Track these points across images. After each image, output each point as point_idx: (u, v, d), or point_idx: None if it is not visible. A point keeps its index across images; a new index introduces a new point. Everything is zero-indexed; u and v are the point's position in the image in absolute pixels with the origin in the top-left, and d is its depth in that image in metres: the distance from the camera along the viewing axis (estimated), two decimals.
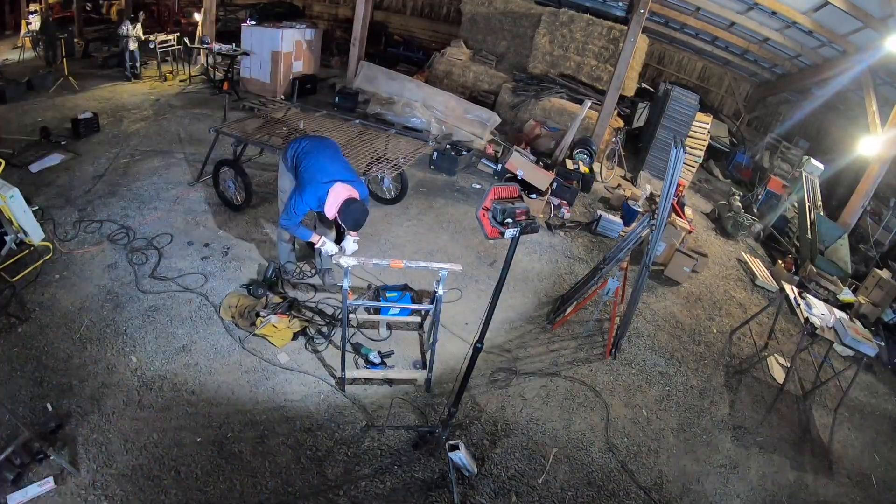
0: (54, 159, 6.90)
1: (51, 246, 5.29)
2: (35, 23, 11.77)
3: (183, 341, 4.56)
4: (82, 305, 4.73)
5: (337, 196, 4.47)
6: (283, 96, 10.68)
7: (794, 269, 8.52)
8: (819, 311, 5.64)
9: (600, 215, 8.10)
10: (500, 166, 8.78)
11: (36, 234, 5.23)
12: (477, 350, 3.56)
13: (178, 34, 12.24)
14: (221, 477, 3.59)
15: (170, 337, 4.58)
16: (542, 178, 8.13)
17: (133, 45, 10.69)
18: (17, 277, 4.85)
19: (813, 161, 9.75)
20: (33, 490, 3.25)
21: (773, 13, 10.16)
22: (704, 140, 11.70)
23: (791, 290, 5.93)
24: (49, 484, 3.29)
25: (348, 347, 4.70)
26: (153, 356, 4.37)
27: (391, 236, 6.63)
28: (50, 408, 3.79)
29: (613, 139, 10.91)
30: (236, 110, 9.52)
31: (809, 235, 8.67)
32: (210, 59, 11.27)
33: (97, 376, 4.11)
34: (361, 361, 4.71)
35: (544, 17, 11.69)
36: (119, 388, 4.05)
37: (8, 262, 4.96)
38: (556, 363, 5.29)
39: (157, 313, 4.79)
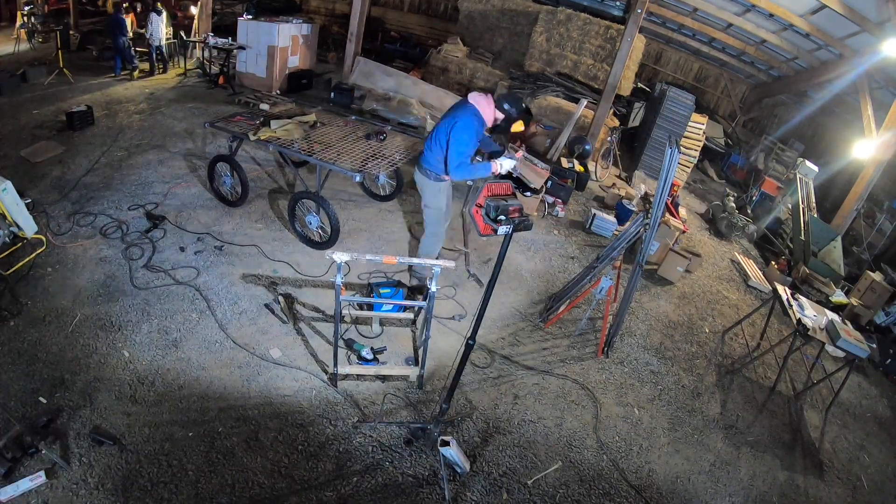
0: None
1: (44, 239, 5.27)
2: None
3: (175, 336, 4.55)
4: (75, 299, 4.72)
5: (483, 103, 4.67)
6: (278, 91, 10.65)
7: (787, 271, 8.56)
8: (811, 313, 5.67)
9: (595, 214, 8.12)
10: None
11: (29, 228, 5.22)
12: (469, 347, 3.56)
13: (173, 27, 12.18)
14: (213, 472, 3.59)
15: (162, 331, 4.57)
16: (536, 176, 8.13)
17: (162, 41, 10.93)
18: (9, 271, 4.83)
19: (807, 163, 9.80)
20: (24, 484, 3.23)
21: (771, 15, 10.20)
22: (699, 140, 11.74)
23: (784, 291, 5.97)
24: (40, 478, 3.28)
25: (341, 343, 4.70)
26: (145, 350, 4.36)
27: (385, 232, 6.62)
28: (43, 401, 3.79)
29: (609, 138, 10.93)
30: (232, 105, 9.49)
31: (803, 237, 8.71)
32: (206, 53, 11.23)
33: (89, 370, 4.10)
34: (354, 357, 4.71)
35: (541, 16, 11.69)
36: (111, 383, 4.04)
37: (1, 256, 4.95)
38: (549, 361, 5.30)
39: (150, 307, 4.78)
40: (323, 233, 5.98)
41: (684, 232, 8.19)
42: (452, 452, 3.77)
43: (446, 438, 3.78)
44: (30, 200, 5.57)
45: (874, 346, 7.03)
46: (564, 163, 9.27)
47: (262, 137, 5.76)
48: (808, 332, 5.33)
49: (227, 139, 6.03)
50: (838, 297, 7.97)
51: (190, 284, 5.12)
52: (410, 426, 4.13)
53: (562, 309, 5.74)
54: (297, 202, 5.96)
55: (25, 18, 11.76)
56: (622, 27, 10.53)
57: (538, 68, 11.82)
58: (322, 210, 5.71)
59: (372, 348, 4.75)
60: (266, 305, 5.07)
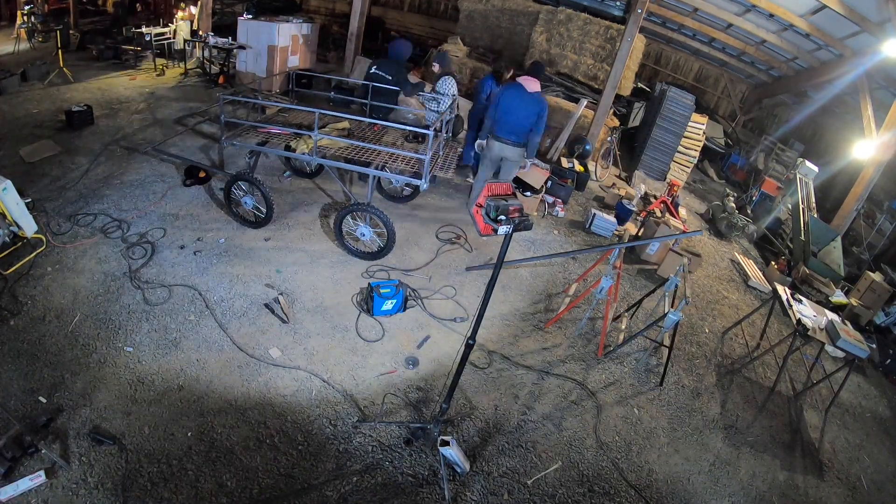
0: None
1: (44, 239, 5.27)
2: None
3: (175, 335, 4.55)
4: (75, 299, 4.72)
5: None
6: (278, 90, 10.64)
7: (787, 271, 8.56)
8: (811, 313, 5.67)
9: (595, 214, 8.11)
10: None
11: (29, 227, 5.21)
12: (469, 347, 3.56)
13: (174, 27, 12.18)
14: (212, 472, 3.59)
15: (162, 331, 4.57)
16: (536, 175, 8.13)
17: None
18: (9, 270, 4.83)
19: (807, 163, 9.80)
20: (24, 484, 3.23)
21: (771, 16, 10.20)
22: (700, 141, 11.73)
23: (784, 292, 5.96)
24: (40, 478, 3.28)
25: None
26: (145, 350, 4.36)
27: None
28: (43, 401, 3.78)
29: (609, 138, 10.93)
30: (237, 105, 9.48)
31: (803, 237, 8.71)
32: (206, 53, 11.22)
33: (89, 370, 4.10)
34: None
35: (542, 15, 11.67)
36: (111, 382, 4.04)
37: (1, 256, 4.94)
38: (549, 361, 5.30)
39: (150, 307, 4.78)
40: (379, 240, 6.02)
41: (684, 232, 8.18)
42: (452, 452, 3.77)
43: (446, 438, 3.78)
44: (30, 200, 5.56)
45: (874, 346, 7.04)
46: (564, 163, 9.28)
47: (305, 150, 5.66)
48: (808, 333, 5.32)
49: (245, 157, 5.95)
50: (838, 297, 7.96)
51: (190, 284, 5.12)
52: (410, 426, 4.13)
53: (562, 309, 5.73)
54: (346, 215, 5.86)
55: (25, 18, 11.75)
56: (622, 27, 10.52)
57: None
58: (374, 219, 5.71)
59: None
60: (266, 305, 5.07)
